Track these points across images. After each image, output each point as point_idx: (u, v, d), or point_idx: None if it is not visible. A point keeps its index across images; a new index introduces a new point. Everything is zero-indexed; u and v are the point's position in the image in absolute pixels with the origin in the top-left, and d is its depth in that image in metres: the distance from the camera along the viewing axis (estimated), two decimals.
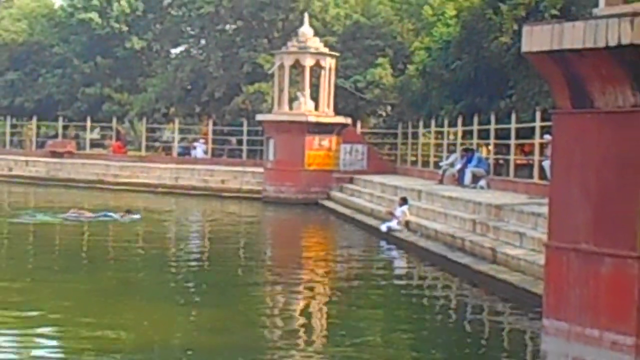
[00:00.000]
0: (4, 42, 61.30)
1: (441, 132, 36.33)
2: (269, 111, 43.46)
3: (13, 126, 58.91)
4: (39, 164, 51.54)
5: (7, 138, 58.16)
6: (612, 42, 9.26)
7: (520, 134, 28.25)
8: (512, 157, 28.68)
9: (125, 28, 58.31)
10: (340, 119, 41.83)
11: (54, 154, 52.06)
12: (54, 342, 13.26)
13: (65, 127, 56.46)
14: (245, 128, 48.12)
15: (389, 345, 14.16)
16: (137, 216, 30.44)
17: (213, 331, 14.52)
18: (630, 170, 9.55)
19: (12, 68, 61.02)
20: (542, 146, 24.61)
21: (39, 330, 13.91)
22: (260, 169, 42.70)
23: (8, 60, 61.33)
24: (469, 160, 29.96)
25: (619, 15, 9.42)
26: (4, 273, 19.91)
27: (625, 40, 9.15)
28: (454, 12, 40.75)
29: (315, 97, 42.05)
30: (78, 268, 21.21)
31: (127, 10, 58.24)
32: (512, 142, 28.56)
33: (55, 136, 55.94)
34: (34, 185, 47.44)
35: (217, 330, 14.54)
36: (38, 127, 57.54)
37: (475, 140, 31.75)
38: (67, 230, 28.16)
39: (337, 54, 43.96)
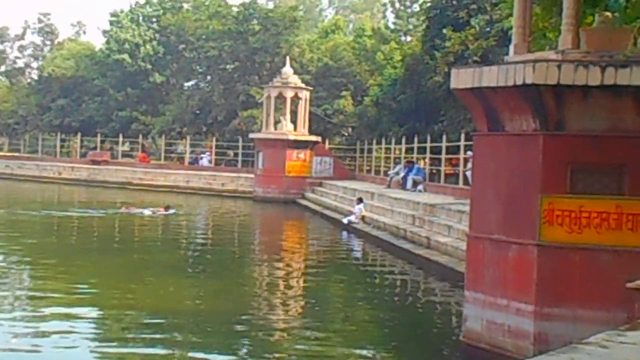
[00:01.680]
0: (56, 76, 61.11)
1: (389, 148, 36.40)
2: (259, 131, 43.53)
3: (62, 140, 58.64)
4: (82, 169, 51.29)
5: (58, 149, 57.84)
6: (519, 82, 9.27)
7: (449, 150, 28.37)
8: (442, 168, 28.81)
9: (149, 66, 58.10)
10: (313, 138, 41.91)
11: (93, 162, 51.81)
12: (92, 303, 13.24)
13: (102, 141, 56.24)
14: (240, 144, 48.04)
15: (349, 308, 14.20)
16: (173, 211, 30.15)
17: (214, 296, 14.55)
18: (531, 179, 9.57)
19: (62, 96, 60.70)
20: (466, 160, 24.72)
21: (81, 295, 13.91)
22: (252, 175, 42.70)
23: (59, 90, 61.00)
24: (410, 170, 30.07)
25: (524, 62, 9.44)
26: (59, 253, 19.76)
27: (528, 81, 9.16)
28: (400, 58, 41.03)
29: (294, 121, 42.14)
30: (112, 249, 21.14)
31: (151, 53, 58.12)
32: (443, 156, 28.64)
33: (95, 148, 55.68)
34: (77, 186, 47.38)
35: (216, 296, 14.57)
36: (81, 141, 57.39)
37: (415, 155, 31.88)
38: (110, 222, 28.05)
39: (311, 88, 44.03)
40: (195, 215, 32.09)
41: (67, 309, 12.73)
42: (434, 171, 30.51)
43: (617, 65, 8.95)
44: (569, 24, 9.65)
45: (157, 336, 11.06)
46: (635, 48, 9.43)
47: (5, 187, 45.64)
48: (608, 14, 9.98)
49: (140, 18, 59.99)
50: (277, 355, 10.53)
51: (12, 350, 9.94)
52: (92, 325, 11.85)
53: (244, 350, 10.73)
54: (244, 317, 12.62)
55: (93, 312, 12.76)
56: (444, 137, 28.37)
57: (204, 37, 55.33)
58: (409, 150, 32.81)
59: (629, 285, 9.06)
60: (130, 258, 19.50)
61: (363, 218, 26.04)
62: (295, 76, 43.26)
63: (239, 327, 11.90)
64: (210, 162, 49.89)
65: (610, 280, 9.16)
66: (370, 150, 39.85)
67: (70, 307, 12.99)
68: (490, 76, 9.72)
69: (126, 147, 56.48)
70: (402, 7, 56.72)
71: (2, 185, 46.90)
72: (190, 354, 10.31)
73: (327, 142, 44.68)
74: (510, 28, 11.53)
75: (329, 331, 12.02)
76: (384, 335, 12.23)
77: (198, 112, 55.16)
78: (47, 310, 12.53)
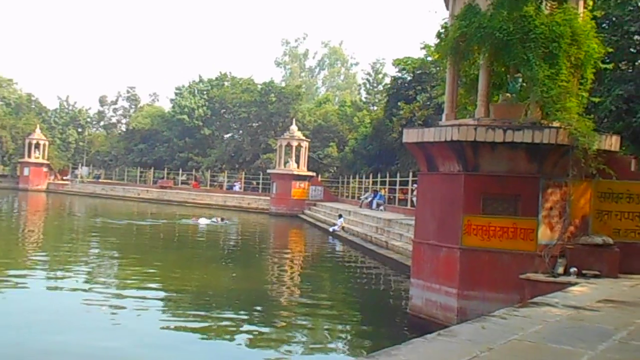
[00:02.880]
0: (138, 129, 61.33)
1: (361, 181, 36.34)
2: (274, 168, 43.38)
3: (141, 172, 58.38)
4: (153, 192, 51.01)
5: (137, 178, 57.68)
6: (448, 139, 9.33)
7: (401, 183, 28.34)
8: (397, 195, 28.77)
9: (200, 123, 58.18)
10: (310, 173, 41.76)
11: (161, 187, 51.68)
12: (156, 282, 13.16)
13: (168, 173, 56.13)
14: (261, 176, 47.93)
15: (331, 288, 14.13)
16: (226, 221, 29.80)
17: (242, 280, 14.44)
18: (456, 204, 9.59)
19: (141, 142, 60.71)
20: (412, 190, 24.72)
21: (147, 278, 13.80)
22: (268, 197, 42.49)
23: (139, 138, 61.08)
24: (375, 196, 30.03)
25: (452, 125, 9.51)
26: (135, 248, 19.67)
27: (455, 138, 9.22)
28: (369, 120, 41.20)
29: (297, 162, 42.01)
30: (169, 247, 21.05)
31: (202, 114, 58.31)
32: (397, 187, 28.63)
33: (162, 178, 55.59)
34: (150, 203, 47.08)
35: (244, 280, 14.47)
36: (153, 173, 57.12)
37: (378, 186, 31.79)
38: (171, 228, 27.88)
39: (309, 140, 44.06)
40: (236, 224, 31.85)
41: (140, 284, 12.73)
42: (391, 197, 30.48)
43: (514, 129, 9.03)
44: (482, 101, 9.75)
45: (200, 303, 11.02)
46: (526, 117, 9.50)
47: (101, 203, 45.54)
48: (508, 94, 10.08)
49: (196, 91, 60.21)
50: (282, 318, 10.46)
51: (104, 312, 9.91)
52: (157, 296, 11.78)
53: (260, 315, 10.66)
54: (261, 293, 12.59)
55: (158, 289, 12.69)
56: (398, 174, 28.40)
57: (237, 104, 55.58)
58: (375, 183, 32.78)
59: (521, 276, 9.07)
60: (184, 253, 19.43)
61: (343, 228, 25.96)
62: (299, 132, 43.33)
63: (257, 300, 11.85)
64: (240, 188, 49.78)
65: (508, 273, 9.15)
66: (348, 182, 39.82)
67: (143, 282, 13.00)
68: (430, 134, 9.78)
69: (184, 177, 56.39)
70: (370, 87, 57.08)
71: (99, 202, 46.78)
72: (224, 317, 10.26)
73: (319, 176, 44.64)
74: (444, 102, 11.59)
75: (317, 302, 11.97)
76: (354, 306, 12.16)
77: (233, 154, 55.22)
78: (127, 286, 12.50)
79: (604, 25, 14.96)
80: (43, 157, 58.82)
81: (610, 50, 11.59)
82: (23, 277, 12.76)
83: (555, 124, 9.07)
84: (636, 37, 15.92)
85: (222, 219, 29.85)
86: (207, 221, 28.98)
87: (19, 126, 62.48)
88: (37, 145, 58.84)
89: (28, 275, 13.00)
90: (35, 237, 22.53)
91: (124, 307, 10.34)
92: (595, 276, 8.84)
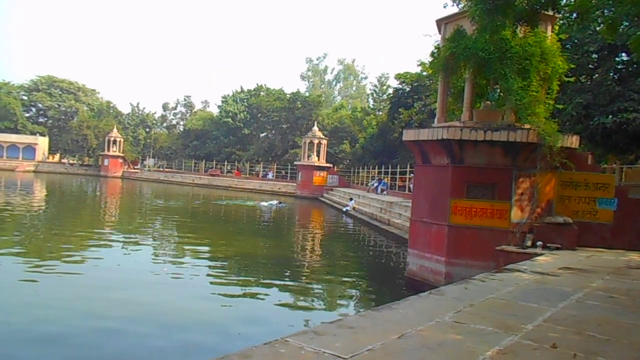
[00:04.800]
0: (192, 129, 61.50)
1: (369, 171, 36.21)
2: (299, 160, 43.39)
3: (195, 163, 58.70)
4: (204, 178, 51.34)
5: (192, 167, 57.99)
6: (439, 137, 9.26)
7: (401, 173, 28.20)
8: (397, 182, 28.59)
9: (241, 125, 58.26)
10: (328, 165, 41.62)
11: (211, 175, 51.93)
12: (207, 248, 13.26)
13: (216, 164, 56.40)
14: (289, 167, 47.97)
15: (344, 255, 14.13)
16: (283, 204, 29.52)
17: (273, 248, 14.48)
18: (445, 189, 9.53)
19: (195, 140, 60.87)
20: (410, 179, 24.56)
21: (199, 247, 13.90)
22: (294, 184, 42.48)
23: (194, 137, 61.24)
24: (380, 183, 29.88)
25: (442, 127, 9.42)
26: (191, 223, 19.83)
27: (444, 137, 9.14)
28: (375, 123, 40.81)
29: (318, 155, 41.94)
30: (220, 222, 21.17)
31: (243, 117, 58.35)
32: (398, 176, 28.50)
33: (212, 167, 55.91)
34: (202, 188, 47.34)
35: (275, 248, 14.51)
36: (205, 164, 57.42)
37: (382, 175, 31.64)
38: (219, 208, 28.00)
39: (327, 138, 43.85)
40: (265, 205, 31.91)
41: (194, 249, 12.81)
42: (393, 184, 30.32)
43: (493, 130, 8.92)
44: (467, 107, 9.64)
45: (241, 268, 11.10)
46: (502, 121, 9.37)
47: (164, 187, 46.02)
48: (488, 102, 9.97)
49: (238, 99, 60.27)
50: (304, 278, 10.50)
51: (165, 273, 10.03)
52: (207, 259, 11.88)
53: (287, 276, 10.71)
54: (288, 259, 12.63)
55: (207, 253, 12.78)
56: (398, 166, 28.28)
57: (271, 110, 55.49)
58: (379, 173, 32.64)
59: (497, 248, 8.99)
60: (229, 226, 19.53)
61: (354, 208, 25.91)
62: (319, 132, 43.13)
63: (285, 264, 11.90)
64: (273, 176, 49.86)
65: (486, 245, 9.09)
66: (358, 172, 39.72)
67: (195, 246, 13.11)
68: (424, 134, 9.71)
69: (229, 167, 56.69)
70: (377, 96, 56.51)
71: (163, 187, 47.27)
72: (258, 277, 10.33)
73: (335, 167, 44.51)
74: (436, 108, 11.48)
75: (332, 266, 11.98)
76: (362, 269, 12.15)
77: (267, 149, 55.20)
78: (183, 251, 12.62)
79: (567, 45, 14.67)
80: (119, 151, 59.57)
81: (573, 66, 11.40)
82: (101, 245, 12.89)
83: (527, 126, 8.95)
84: (594, 55, 15.59)
85: (279, 203, 29.71)
86: (266, 204, 29.22)
87: (100, 127, 63.34)
88: (115, 142, 59.58)
89: (105, 244, 13.14)
90: (114, 213, 22.86)
91: (179, 275, 10.35)
92: (557, 249, 8.75)
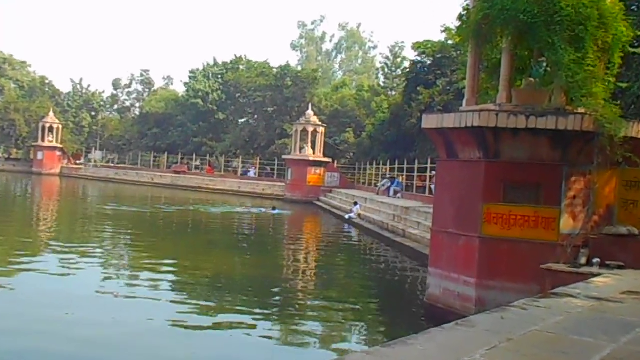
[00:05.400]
0: (152, 113, 61.81)
1: (378, 168, 36.30)
2: (289, 154, 43.47)
3: (154, 157, 58.75)
4: (167, 177, 51.32)
5: (151, 163, 58.11)
6: (469, 124, 9.26)
7: (419, 170, 28.27)
8: (415, 182, 28.69)
9: (215, 108, 58.42)
10: (326, 159, 41.79)
11: (175, 172, 51.95)
12: (168, 269, 13.28)
13: (182, 158, 56.36)
14: (276, 162, 48.10)
15: (347, 276, 14.16)
16: (278, 210, 29.71)
17: (255, 266, 14.51)
18: (475, 191, 9.54)
19: (155, 127, 61.07)
20: (431, 177, 24.66)
21: (160, 266, 13.90)
22: (283, 184, 42.59)
23: (153, 122, 61.47)
24: (392, 183, 30.01)
25: (473, 111, 9.44)
26: (150, 235, 19.83)
27: (475, 124, 9.15)
28: (387, 106, 41.04)
29: (313, 147, 42.07)
30: (188, 233, 21.17)
31: (217, 98, 58.56)
32: (415, 174, 28.58)
33: (176, 163, 55.91)
34: (164, 189, 47.34)
35: (257, 266, 14.53)
36: (167, 158, 57.46)
37: (396, 173, 31.77)
38: (186, 215, 27.99)
39: (325, 125, 43.99)
40: (245, 210, 31.92)
41: (153, 268, 12.77)
42: (409, 184, 30.42)
43: (537, 115, 8.94)
44: (504, 86, 9.65)
45: (214, 292, 11.09)
46: (550, 103, 9.40)
47: (114, 188, 45.97)
48: (532, 79, 9.98)
49: (210, 75, 60.38)
50: (298, 306, 10.50)
51: (115, 296, 10.01)
52: (170, 281, 11.88)
53: (276, 303, 10.70)
54: (276, 281, 12.60)
55: (171, 273, 12.79)
56: (416, 161, 28.32)
57: (253, 88, 55.65)
58: (392, 169, 32.73)
59: (542, 266, 9.02)
60: (199, 239, 19.54)
61: (359, 215, 25.98)
62: (315, 117, 43.27)
63: (272, 288, 11.86)
64: (255, 174, 49.92)
65: (528, 262, 9.10)
66: (365, 169, 39.83)
67: (155, 265, 13.07)
68: (449, 120, 9.71)
69: (198, 163, 56.75)
70: (389, 71, 56.78)
71: (113, 187, 47.22)
72: (238, 305, 10.31)
73: (335, 162, 44.61)
74: (464, 87, 11.51)
75: (332, 290, 12.02)
76: (370, 296, 12.18)
77: (247, 140, 55.32)
78: (139, 271, 12.59)
79: (633, 7, 14.70)
80: (56, 141, 59.44)
81: None
82: (37, 262, 12.86)
83: (581, 110, 8.96)
84: None
85: (273, 208, 29.88)
86: (255, 211, 29.77)
87: (32, 109, 63.05)
88: (51, 129, 59.47)
89: (42, 261, 13.12)
90: (50, 222, 22.82)
91: (134, 295, 10.39)
92: (619, 267, 8.78)
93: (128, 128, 66.40)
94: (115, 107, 74.72)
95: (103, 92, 74.18)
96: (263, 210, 29.70)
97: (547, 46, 9.06)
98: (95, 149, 68.42)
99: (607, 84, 9.38)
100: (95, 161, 63.82)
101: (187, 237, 19.84)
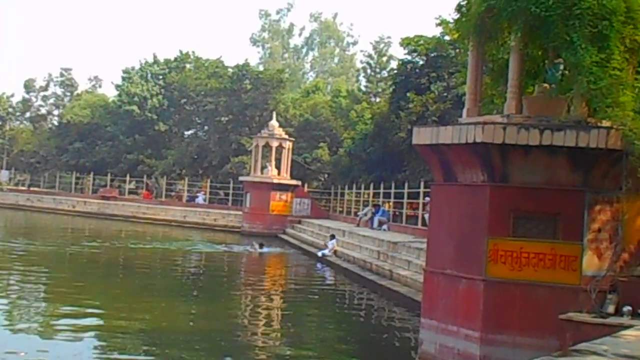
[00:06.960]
0: (74, 123, 60.97)
1: (359, 193, 36.30)
2: (248, 174, 43.32)
3: (77, 178, 58.01)
4: (93, 204, 50.75)
5: (73, 186, 57.38)
6: (470, 140, 9.32)
7: (410, 196, 28.29)
8: (404, 211, 28.72)
9: (155, 116, 58.08)
10: (293, 182, 41.77)
11: (103, 198, 51.36)
12: (97, 318, 13.05)
13: (112, 180, 55.73)
14: (231, 185, 47.81)
15: (321, 329, 14.09)
16: (268, 249, 29.81)
17: (205, 318, 14.37)
18: (479, 223, 9.58)
19: (78, 140, 60.30)
20: (424, 205, 24.72)
21: (89, 311, 13.68)
22: (240, 212, 42.39)
23: (76, 135, 60.66)
24: (377, 212, 30.04)
25: (475, 123, 9.51)
26: (70, 279, 19.52)
27: (478, 139, 9.22)
28: (370, 116, 41.22)
29: (278, 167, 42.03)
30: (119, 274, 20.88)
31: (157, 105, 58.23)
32: (405, 201, 28.61)
33: (105, 186, 55.24)
34: (89, 218, 46.77)
35: (207, 318, 14.39)
36: (93, 179, 56.70)
37: (381, 199, 31.80)
38: (116, 253, 27.69)
39: (293, 139, 44.02)
40: (193, 247, 31.56)
41: (73, 319, 12.62)
42: (397, 213, 30.41)
43: (554, 129, 9.05)
44: (513, 92, 9.77)
45: (151, 350, 10.93)
46: (569, 114, 9.54)
47: (25, 218, 45.15)
48: (546, 85, 10.11)
49: (149, 75, 60.14)
50: None
51: (22, 357, 9.81)
52: (96, 338, 11.68)
53: None
54: (231, 337, 12.50)
55: (96, 326, 12.61)
56: (406, 185, 28.38)
57: (202, 93, 55.56)
58: (376, 195, 32.76)
59: (561, 316, 9.07)
60: (132, 282, 19.32)
61: (335, 252, 25.93)
62: (280, 129, 43.37)
63: (224, 346, 11.76)
64: (205, 200, 49.55)
65: (545, 311, 9.15)
66: (342, 194, 39.84)
67: (77, 315, 12.93)
68: (446, 134, 9.78)
69: (132, 186, 56.11)
70: (372, 73, 57.19)
71: (22, 216, 46.37)
72: None
73: (306, 185, 44.54)
74: (464, 94, 11.64)
75: (303, 350, 11.91)
76: (349, 355, 12.09)
77: (196, 157, 55.03)
78: (56, 322, 12.41)
79: None
80: None
81: None
82: None
83: (606, 123, 9.11)
84: None
85: (261, 245, 29.74)
86: (240, 249, 30.02)
87: None
88: None
89: None
90: None
91: (53, 348, 10.17)
92: None
93: (43, 142, 65.48)
94: (28, 114, 73.81)
95: (12, 95, 73.56)
96: (248, 248, 29.43)
97: (564, 45, 9.19)
98: (1, 168, 67.31)
99: (636, 91, 9.56)
100: (1, 183, 62.75)
101: (117, 281, 19.57)
